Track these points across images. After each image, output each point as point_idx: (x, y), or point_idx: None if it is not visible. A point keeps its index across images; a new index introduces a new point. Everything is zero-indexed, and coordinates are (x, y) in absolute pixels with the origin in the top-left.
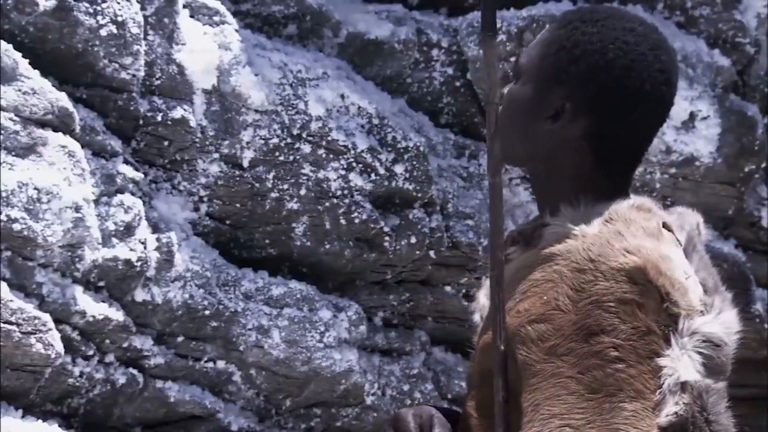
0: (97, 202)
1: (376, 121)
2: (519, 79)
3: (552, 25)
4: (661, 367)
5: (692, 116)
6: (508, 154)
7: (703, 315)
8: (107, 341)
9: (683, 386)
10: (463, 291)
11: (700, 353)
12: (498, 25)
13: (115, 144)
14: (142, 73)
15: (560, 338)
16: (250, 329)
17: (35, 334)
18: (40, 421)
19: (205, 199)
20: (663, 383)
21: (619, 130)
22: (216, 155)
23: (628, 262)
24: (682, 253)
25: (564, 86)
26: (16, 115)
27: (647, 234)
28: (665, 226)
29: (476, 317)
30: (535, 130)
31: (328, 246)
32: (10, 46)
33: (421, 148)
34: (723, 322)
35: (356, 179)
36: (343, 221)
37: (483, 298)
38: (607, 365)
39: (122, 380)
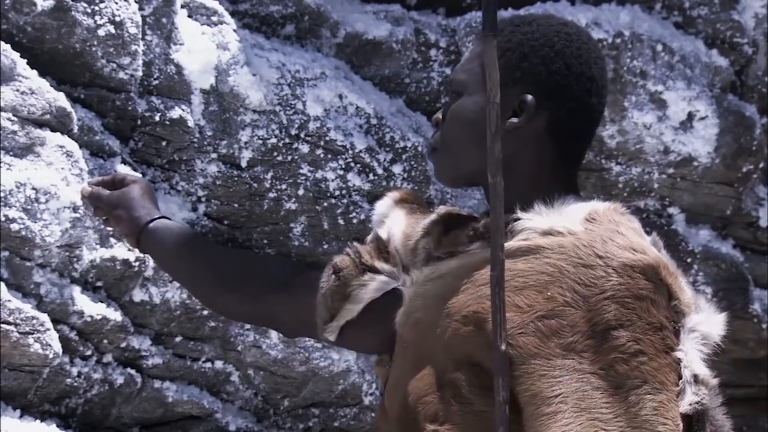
0: None
1: (374, 121)
2: (461, 95)
3: (478, 40)
4: (678, 360)
5: (690, 116)
6: (470, 170)
7: (696, 314)
8: (105, 341)
9: (695, 379)
10: None
11: (699, 350)
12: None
13: (113, 144)
14: (140, 73)
15: (577, 335)
16: (248, 329)
17: (33, 334)
18: (38, 421)
19: (203, 199)
20: (682, 375)
21: (579, 116)
22: (214, 155)
23: (640, 259)
24: None
25: (519, 84)
26: (13, 115)
27: (638, 235)
28: None
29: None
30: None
31: (326, 246)
32: (8, 45)
33: (420, 149)
34: (715, 323)
35: (354, 179)
36: (341, 221)
37: (397, 231)
38: (631, 359)
39: (120, 380)
